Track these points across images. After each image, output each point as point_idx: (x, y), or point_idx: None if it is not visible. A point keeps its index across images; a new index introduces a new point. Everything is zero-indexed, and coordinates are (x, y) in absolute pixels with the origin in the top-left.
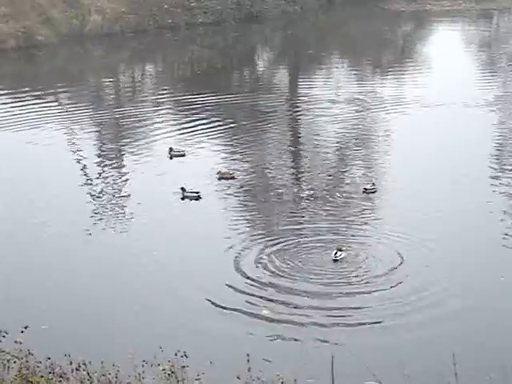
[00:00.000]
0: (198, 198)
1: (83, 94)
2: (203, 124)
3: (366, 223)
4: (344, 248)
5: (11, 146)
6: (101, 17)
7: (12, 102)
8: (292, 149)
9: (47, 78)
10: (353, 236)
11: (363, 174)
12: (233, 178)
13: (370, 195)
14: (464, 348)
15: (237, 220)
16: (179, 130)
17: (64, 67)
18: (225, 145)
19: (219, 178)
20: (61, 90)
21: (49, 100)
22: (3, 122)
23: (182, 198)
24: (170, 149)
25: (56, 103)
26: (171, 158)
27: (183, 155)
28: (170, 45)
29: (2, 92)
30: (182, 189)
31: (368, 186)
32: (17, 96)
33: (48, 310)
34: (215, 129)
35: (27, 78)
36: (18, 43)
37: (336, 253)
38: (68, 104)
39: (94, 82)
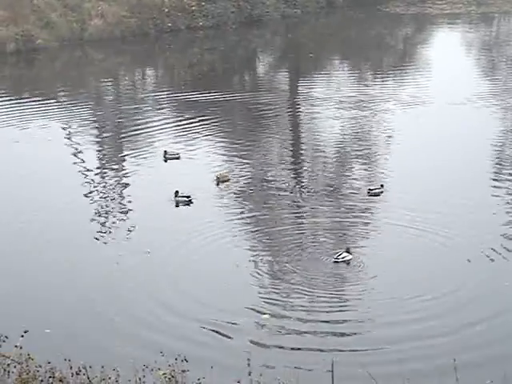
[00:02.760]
0: (189, 203)
1: (83, 97)
2: (202, 126)
3: (370, 225)
4: (351, 251)
5: (8, 146)
6: (101, 21)
7: (11, 105)
8: (292, 151)
9: (47, 81)
10: (356, 238)
11: (367, 175)
12: (228, 180)
13: (375, 197)
14: None
15: (231, 224)
16: (177, 132)
17: (64, 71)
18: (221, 147)
19: (217, 183)
20: (60, 93)
21: (48, 103)
22: (3, 126)
23: (176, 203)
24: (165, 152)
25: (55, 106)
26: (166, 161)
27: (178, 158)
28: (170, 48)
29: (1, 96)
30: (176, 192)
31: (372, 187)
32: (16, 99)
33: (50, 315)
34: (213, 131)
35: (27, 81)
36: (18, 47)
37: (340, 254)
38: (67, 106)
39: (94, 86)
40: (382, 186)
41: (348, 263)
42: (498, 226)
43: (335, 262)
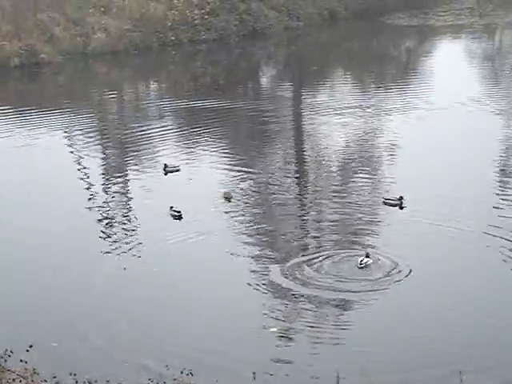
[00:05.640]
0: (179, 218)
1: (86, 110)
2: (205, 138)
3: (384, 236)
4: (370, 255)
5: (13, 160)
6: (105, 35)
7: (15, 118)
8: (297, 162)
9: (51, 95)
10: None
11: (375, 183)
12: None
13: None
14: None
15: (232, 237)
16: (179, 144)
17: (68, 85)
18: (223, 159)
19: (229, 200)
20: (64, 106)
21: (52, 116)
22: (8, 139)
23: (173, 217)
24: (165, 165)
25: (59, 119)
26: (166, 174)
27: (178, 170)
28: (173, 62)
29: (6, 110)
30: (171, 207)
31: (385, 196)
32: (21, 114)
33: (55, 328)
34: (216, 143)
35: (31, 95)
36: (22, 61)
37: (362, 260)
38: (71, 119)
39: (98, 99)
40: (401, 197)
41: (367, 267)
42: None
43: (360, 267)
